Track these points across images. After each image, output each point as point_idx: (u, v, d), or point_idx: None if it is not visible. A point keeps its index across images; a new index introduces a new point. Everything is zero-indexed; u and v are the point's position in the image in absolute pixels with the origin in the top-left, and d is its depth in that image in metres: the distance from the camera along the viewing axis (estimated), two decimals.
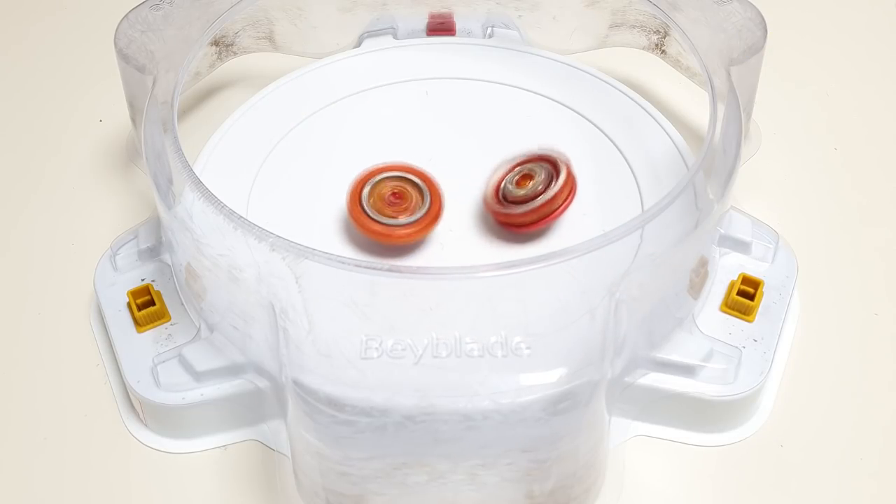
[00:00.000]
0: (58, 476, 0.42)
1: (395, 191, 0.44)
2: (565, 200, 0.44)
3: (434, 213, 0.44)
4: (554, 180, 0.44)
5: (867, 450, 0.42)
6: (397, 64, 0.53)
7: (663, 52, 0.53)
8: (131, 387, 0.42)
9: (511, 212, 0.44)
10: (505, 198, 0.45)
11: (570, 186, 0.44)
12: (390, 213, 0.44)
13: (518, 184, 0.45)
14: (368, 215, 0.44)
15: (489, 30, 0.54)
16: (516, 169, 0.45)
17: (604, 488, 0.40)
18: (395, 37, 0.54)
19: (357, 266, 0.38)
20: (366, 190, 0.44)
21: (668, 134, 0.49)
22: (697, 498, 0.41)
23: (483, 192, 0.45)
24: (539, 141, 0.49)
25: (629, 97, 0.51)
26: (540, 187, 0.44)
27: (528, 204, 0.44)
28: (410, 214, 0.44)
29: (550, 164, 0.45)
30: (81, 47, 0.59)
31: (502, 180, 0.45)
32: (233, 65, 0.54)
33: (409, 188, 0.44)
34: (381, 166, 0.45)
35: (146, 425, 0.43)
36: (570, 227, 0.45)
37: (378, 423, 0.36)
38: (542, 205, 0.44)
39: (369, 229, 0.44)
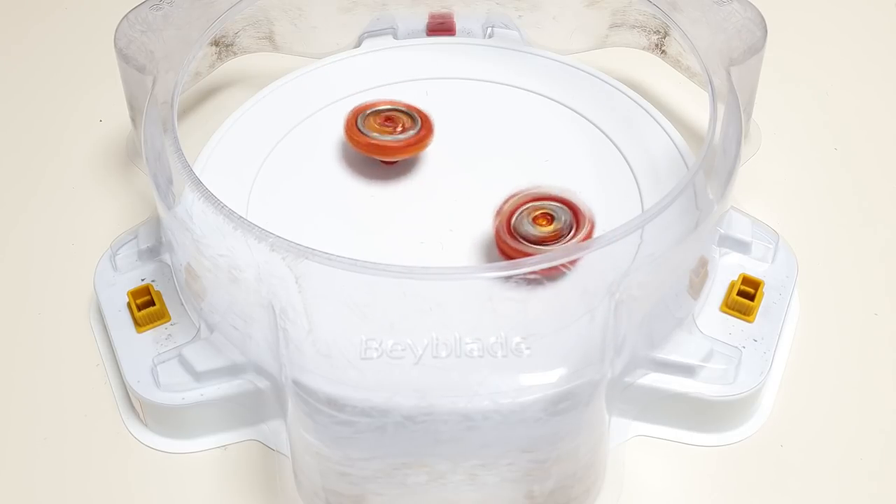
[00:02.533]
0: (58, 476, 0.42)
1: (388, 115, 0.48)
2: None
3: (425, 134, 0.47)
4: (575, 230, 0.43)
5: (867, 450, 0.42)
6: (397, 64, 0.53)
7: (663, 52, 0.53)
8: (131, 387, 0.42)
9: (523, 249, 0.42)
10: (517, 231, 0.43)
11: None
12: (383, 131, 0.47)
13: (535, 221, 0.43)
14: (363, 133, 0.47)
15: (489, 30, 0.54)
16: (534, 203, 0.43)
17: (604, 488, 0.40)
18: (395, 37, 0.54)
19: (357, 266, 0.38)
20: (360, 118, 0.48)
21: (668, 134, 0.49)
22: (697, 498, 0.41)
23: (495, 218, 0.43)
24: (538, 142, 0.49)
25: (629, 97, 0.51)
26: (562, 231, 0.42)
27: (543, 245, 0.42)
28: (402, 133, 0.47)
29: (572, 212, 0.43)
30: (81, 47, 0.59)
31: (516, 211, 0.43)
32: (233, 65, 0.53)
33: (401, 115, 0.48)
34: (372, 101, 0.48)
35: (146, 425, 0.43)
36: None
37: (378, 423, 0.36)
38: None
39: (363, 144, 0.47)
